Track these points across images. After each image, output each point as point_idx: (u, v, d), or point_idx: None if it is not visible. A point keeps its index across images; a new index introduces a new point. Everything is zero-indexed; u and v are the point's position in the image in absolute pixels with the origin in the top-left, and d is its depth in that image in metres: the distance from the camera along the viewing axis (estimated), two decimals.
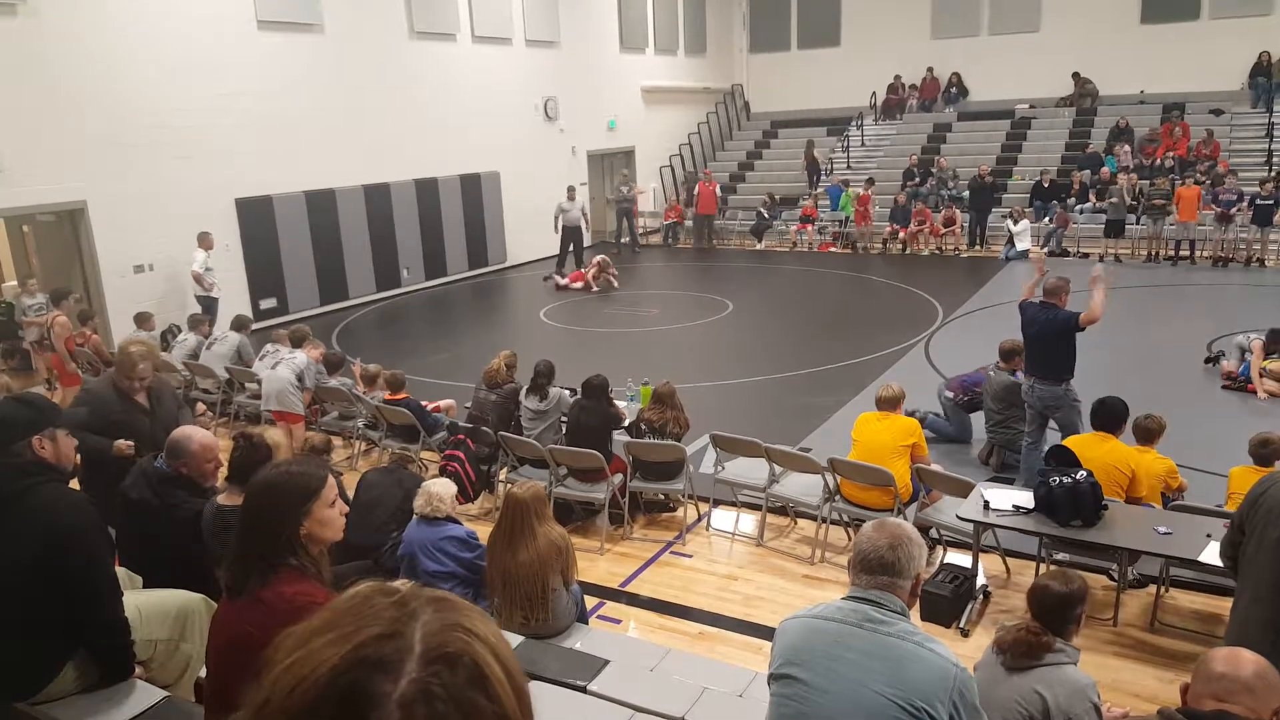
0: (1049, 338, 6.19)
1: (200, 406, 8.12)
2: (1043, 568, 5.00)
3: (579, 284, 15.03)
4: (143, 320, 10.00)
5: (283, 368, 7.76)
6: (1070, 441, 5.36)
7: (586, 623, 4.51)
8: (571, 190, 16.85)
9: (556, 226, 16.61)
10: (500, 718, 0.72)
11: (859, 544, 2.42)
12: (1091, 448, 5.14)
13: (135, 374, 4.78)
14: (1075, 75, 20.10)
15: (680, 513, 6.43)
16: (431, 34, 15.03)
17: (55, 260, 11.43)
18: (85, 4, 10.47)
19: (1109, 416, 5.24)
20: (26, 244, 12.07)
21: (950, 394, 7.43)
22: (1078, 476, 4.61)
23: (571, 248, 16.45)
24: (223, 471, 4.18)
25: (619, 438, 6.51)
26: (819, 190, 19.28)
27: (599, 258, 15.42)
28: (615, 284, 14.93)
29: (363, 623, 0.74)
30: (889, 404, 5.84)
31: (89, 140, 10.64)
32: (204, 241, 11.37)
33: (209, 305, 11.22)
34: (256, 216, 12.75)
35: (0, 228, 12.82)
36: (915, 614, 4.72)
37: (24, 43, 9.97)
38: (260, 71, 12.49)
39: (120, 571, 3.53)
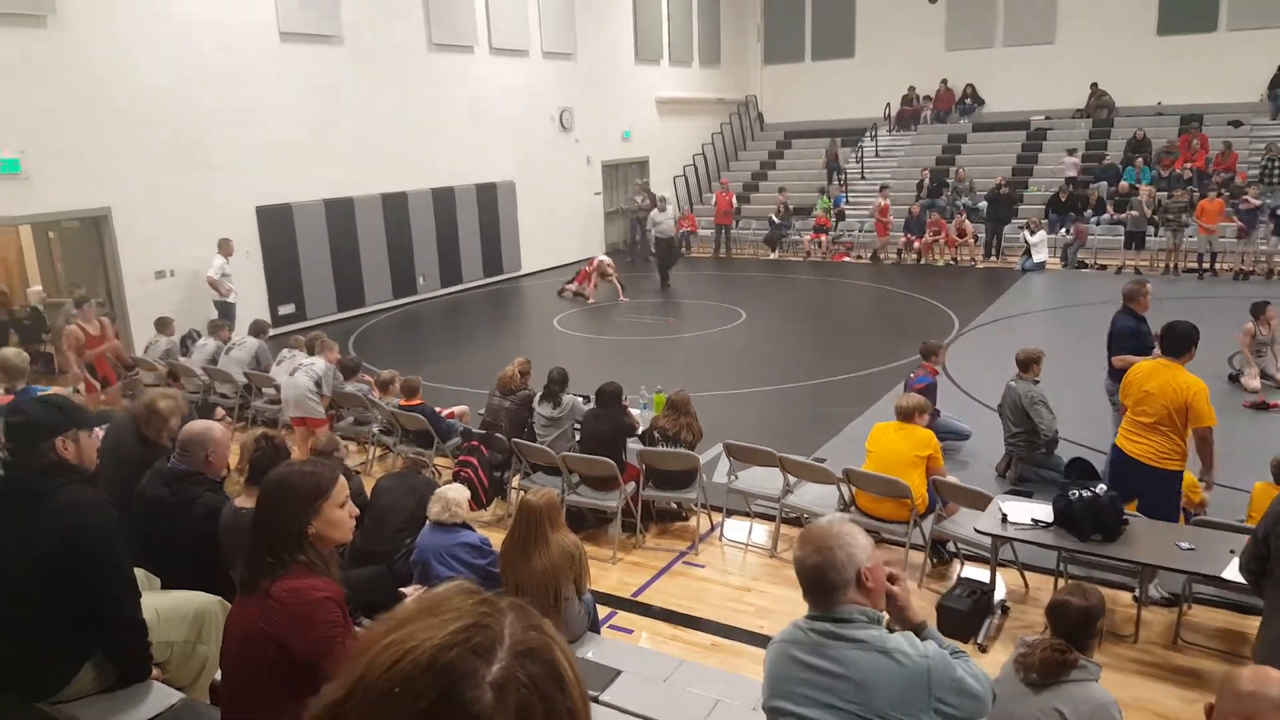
0: (1112, 346, 6.50)
1: (219, 411, 8.17)
2: (1062, 583, 4.95)
3: (575, 285, 15.03)
4: (163, 325, 10.10)
5: (301, 374, 7.79)
6: (1137, 368, 5.34)
7: (598, 632, 4.49)
8: (663, 200, 16.63)
9: (650, 241, 16.54)
10: (570, 713, 0.81)
11: (794, 562, 2.33)
12: (1154, 376, 5.13)
13: (167, 430, 4.63)
14: (1093, 86, 20.03)
15: (693, 522, 6.41)
16: (450, 46, 15.14)
17: (80, 266, 11.57)
18: (113, 16, 10.63)
19: (1174, 341, 5.16)
20: (52, 250, 12.24)
21: None
22: (1097, 490, 4.56)
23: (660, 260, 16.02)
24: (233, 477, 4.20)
25: (632, 445, 6.50)
26: (827, 200, 19.22)
27: (599, 259, 15.35)
28: (622, 293, 14.84)
29: (458, 613, 0.82)
30: (907, 414, 5.76)
31: (114, 148, 10.78)
32: (224, 248, 11.49)
33: (226, 310, 11.31)
34: (276, 224, 12.86)
35: (27, 234, 12.99)
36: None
37: (53, 53, 10.13)
38: (282, 82, 12.62)
39: (138, 573, 3.55)
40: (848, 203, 19.61)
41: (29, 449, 3.05)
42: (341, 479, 2.51)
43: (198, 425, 4.08)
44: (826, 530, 2.28)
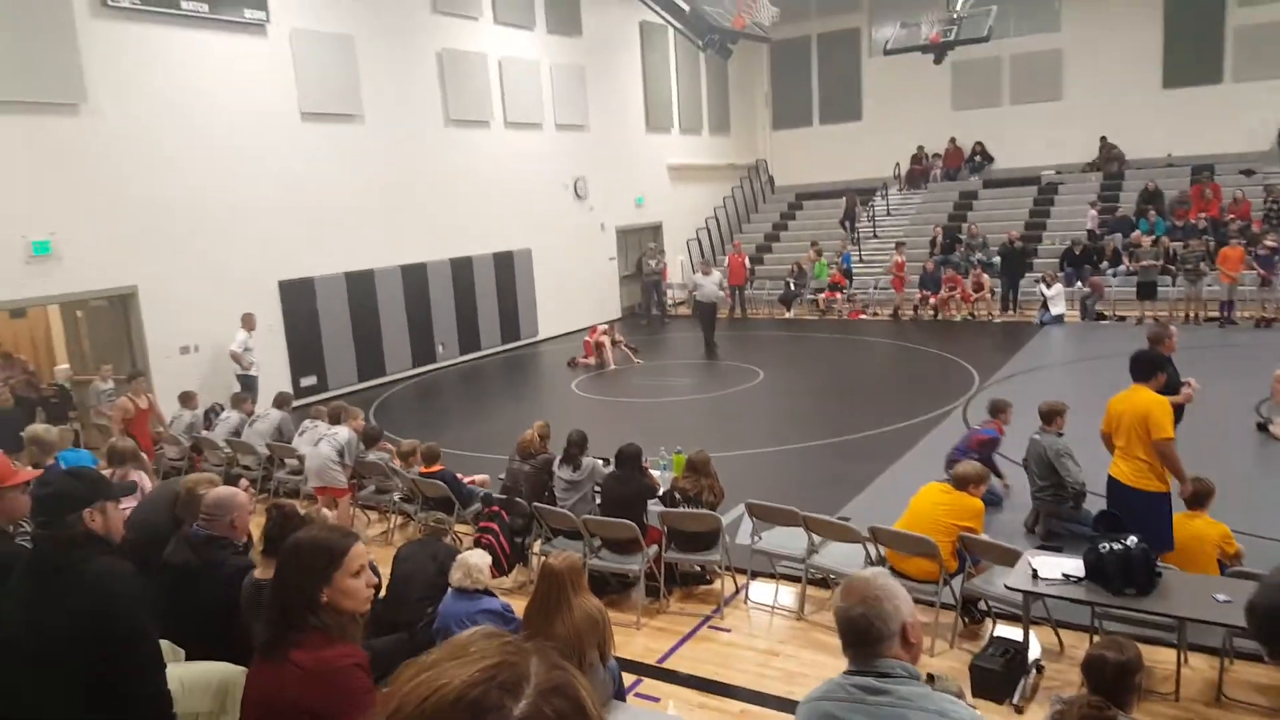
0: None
1: (243, 482, 8.20)
2: (1097, 639, 4.81)
3: (592, 359, 14.89)
4: (187, 399, 10.23)
5: (325, 444, 7.83)
6: (1112, 399, 5.73)
7: (624, 700, 4.40)
8: (706, 264, 16.44)
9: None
10: None
11: (834, 615, 2.29)
12: (1124, 400, 5.61)
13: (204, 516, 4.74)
14: (1102, 139, 20.24)
15: (717, 585, 6.32)
16: (466, 121, 15.57)
17: (106, 343, 11.77)
18: (142, 102, 11.04)
19: (1140, 366, 5.67)
20: (79, 328, 12.47)
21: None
22: (1128, 542, 4.48)
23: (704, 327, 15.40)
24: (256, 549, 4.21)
25: (653, 507, 6.45)
26: (824, 264, 19.28)
27: (599, 329, 15.26)
28: (634, 358, 14.81)
29: (486, 653, 0.86)
30: (962, 481, 5.58)
31: (141, 228, 11.08)
32: (247, 322, 11.67)
33: (248, 383, 11.43)
34: (298, 297, 13.09)
35: (55, 313, 13.27)
36: (967, 689, 4.58)
37: (84, 139, 10.52)
38: (303, 160, 12.98)
39: (163, 644, 3.54)
40: (861, 260, 19.73)
41: (57, 521, 3.07)
42: (358, 547, 2.49)
43: (224, 491, 4.14)
44: (872, 582, 2.26)
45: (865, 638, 2.18)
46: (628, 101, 19.72)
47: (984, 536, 5.52)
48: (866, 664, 2.19)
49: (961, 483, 5.58)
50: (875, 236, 20.57)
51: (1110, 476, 5.68)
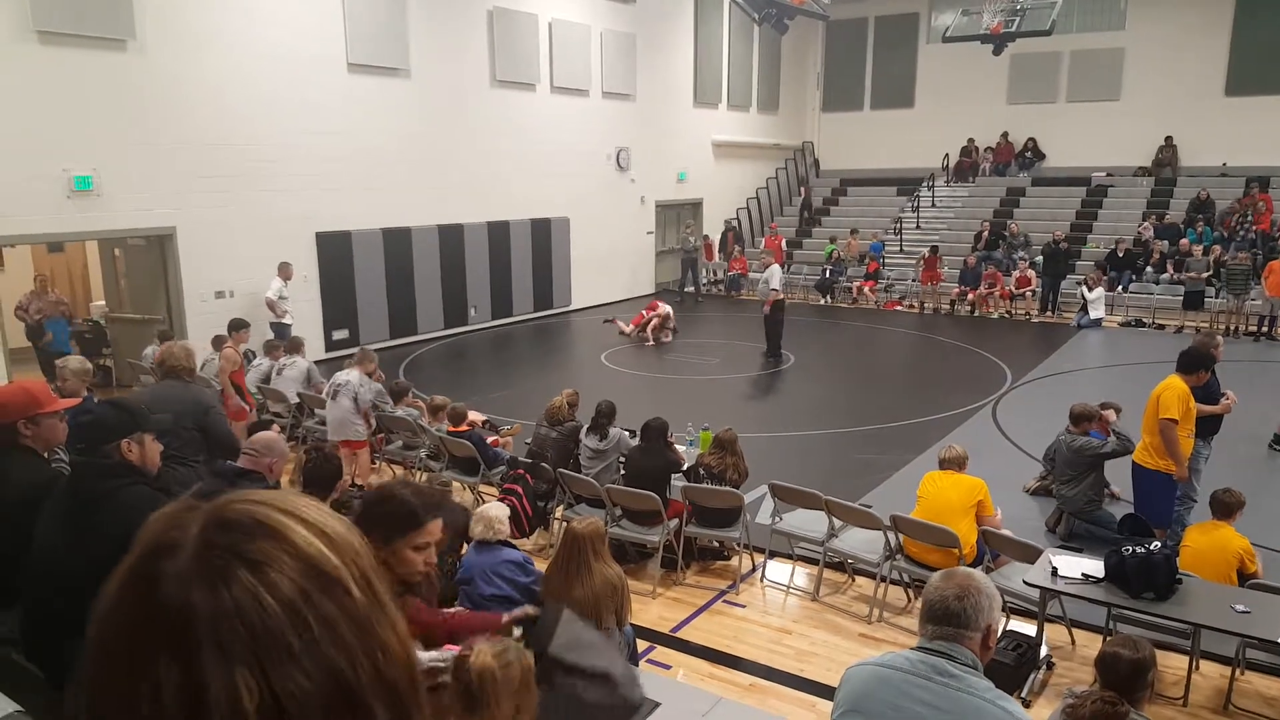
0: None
1: (275, 427, 8.31)
2: (1110, 638, 4.81)
3: (633, 327, 14.82)
4: (218, 343, 10.31)
5: (342, 397, 7.80)
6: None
7: (636, 665, 4.47)
8: (768, 257, 14.29)
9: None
10: (301, 558, 0.68)
11: (926, 593, 2.34)
12: (1156, 388, 5.92)
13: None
14: (1168, 139, 19.78)
15: (735, 561, 6.37)
16: (512, 83, 15.54)
17: (143, 283, 11.95)
18: (190, 43, 11.10)
19: (1182, 356, 6.00)
20: (117, 267, 12.67)
21: None
22: (1151, 547, 4.45)
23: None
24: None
25: (676, 482, 6.50)
26: (832, 245, 19.10)
27: (663, 309, 14.94)
28: (667, 337, 14.67)
29: (157, 529, 0.72)
30: (952, 464, 5.79)
31: (183, 169, 11.19)
32: (283, 271, 11.80)
33: (281, 332, 11.51)
34: (335, 250, 13.21)
35: (94, 250, 13.47)
36: None
37: (130, 76, 10.61)
38: (348, 112, 13.03)
39: None
40: (902, 250, 19.51)
41: (94, 449, 3.14)
42: (434, 525, 2.53)
43: (270, 434, 4.34)
44: (975, 575, 2.32)
45: (955, 620, 2.21)
46: (677, 73, 19.55)
47: (1007, 532, 5.51)
48: (943, 644, 2.21)
49: (960, 465, 5.77)
50: (918, 228, 20.31)
51: (1133, 462, 6.13)
